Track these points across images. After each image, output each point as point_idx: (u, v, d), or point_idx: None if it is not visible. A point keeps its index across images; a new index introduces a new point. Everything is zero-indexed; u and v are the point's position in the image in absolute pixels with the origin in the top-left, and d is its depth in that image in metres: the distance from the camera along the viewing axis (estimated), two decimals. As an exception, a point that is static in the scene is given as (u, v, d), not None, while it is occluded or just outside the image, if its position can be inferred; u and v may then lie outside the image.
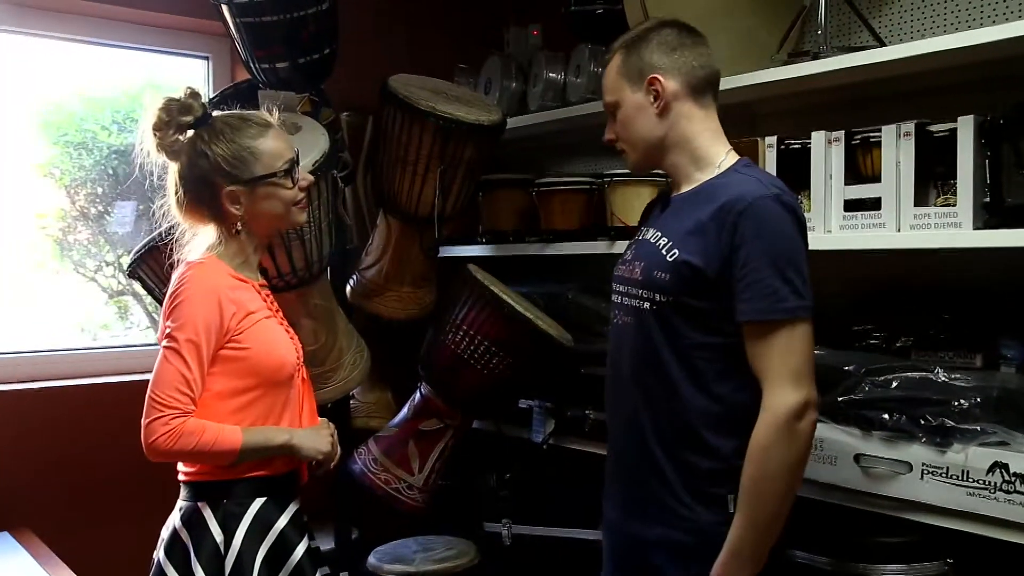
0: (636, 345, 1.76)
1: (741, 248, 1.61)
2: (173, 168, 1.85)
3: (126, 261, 2.63)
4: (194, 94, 1.85)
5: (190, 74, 3.11)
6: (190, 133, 1.83)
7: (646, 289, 1.74)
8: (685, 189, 1.78)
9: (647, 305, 1.73)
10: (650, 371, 1.73)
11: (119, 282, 3.05)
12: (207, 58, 3.10)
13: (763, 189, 1.64)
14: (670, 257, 1.70)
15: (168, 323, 1.76)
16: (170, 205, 1.88)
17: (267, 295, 1.94)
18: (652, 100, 1.76)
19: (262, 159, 1.84)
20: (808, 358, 1.63)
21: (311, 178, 1.95)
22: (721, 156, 1.76)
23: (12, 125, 2.81)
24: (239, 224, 1.84)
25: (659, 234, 1.76)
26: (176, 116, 1.81)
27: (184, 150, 1.83)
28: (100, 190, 3.00)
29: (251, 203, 1.84)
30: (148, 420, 1.71)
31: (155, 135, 1.82)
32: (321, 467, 1.93)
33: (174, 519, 1.83)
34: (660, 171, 1.87)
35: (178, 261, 1.88)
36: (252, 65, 2.53)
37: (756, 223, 1.61)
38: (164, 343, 1.75)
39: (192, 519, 1.80)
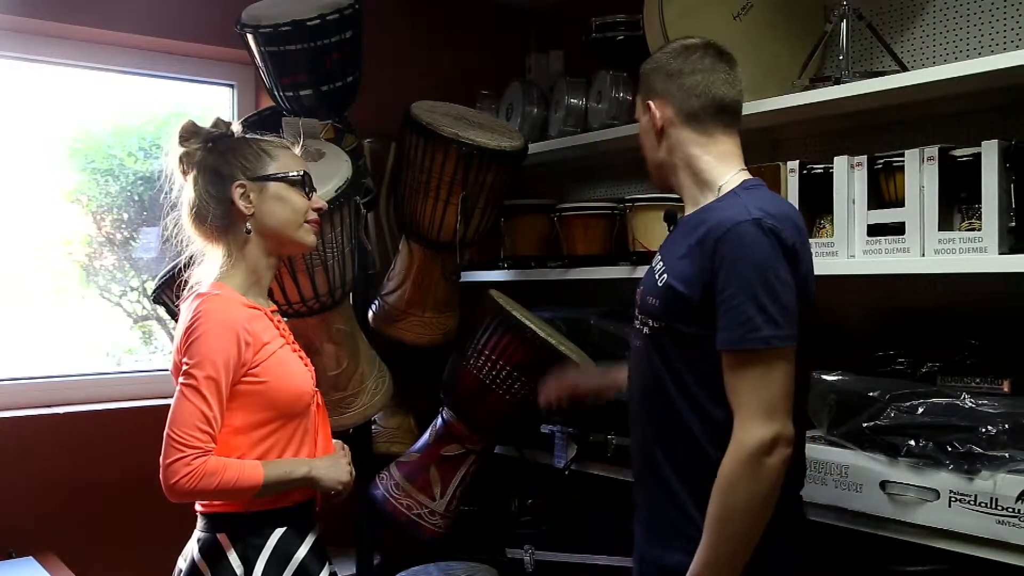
0: (641, 368, 1.77)
1: (719, 274, 1.58)
2: (190, 180, 1.85)
3: (151, 286, 2.65)
4: (221, 122, 1.91)
5: (216, 102, 3.14)
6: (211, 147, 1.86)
7: (643, 314, 1.75)
8: (689, 212, 1.78)
9: (645, 330, 1.74)
10: (653, 394, 1.72)
11: (144, 307, 3.07)
12: (232, 86, 3.14)
13: (744, 214, 1.59)
14: (660, 282, 1.69)
15: (185, 359, 1.71)
16: (183, 221, 1.87)
17: (278, 321, 1.90)
18: (651, 123, 1.79)
19: (277, 160, 1.87)
20: (784, 391, 1.55)
21: (324, 204, 1.96)
22: (723, 179, 1.71)
23: (41, 152, 2.85)
24: (248, 225, 1.82)
25: (659, 258, 1.76)
26: (202, 128, 1.86)
27: (204, 160, 1.84)
28: (126, 216, 3.03)
29: (261, 202, 1.83)
30: (169, 461, 1.66)
31: (181, 144, 1.84)
32: (339, 496, 1.90)
33: (192, 550, 1.80)
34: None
35: (186, 283, 1.87)
36: (276, 93, 2.56)
37: (733, 249, 1.56)
38: (182, 380, 1.71)
39: (212, 551, 1.77)
